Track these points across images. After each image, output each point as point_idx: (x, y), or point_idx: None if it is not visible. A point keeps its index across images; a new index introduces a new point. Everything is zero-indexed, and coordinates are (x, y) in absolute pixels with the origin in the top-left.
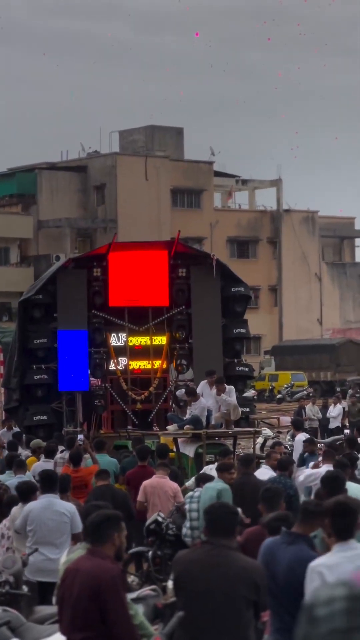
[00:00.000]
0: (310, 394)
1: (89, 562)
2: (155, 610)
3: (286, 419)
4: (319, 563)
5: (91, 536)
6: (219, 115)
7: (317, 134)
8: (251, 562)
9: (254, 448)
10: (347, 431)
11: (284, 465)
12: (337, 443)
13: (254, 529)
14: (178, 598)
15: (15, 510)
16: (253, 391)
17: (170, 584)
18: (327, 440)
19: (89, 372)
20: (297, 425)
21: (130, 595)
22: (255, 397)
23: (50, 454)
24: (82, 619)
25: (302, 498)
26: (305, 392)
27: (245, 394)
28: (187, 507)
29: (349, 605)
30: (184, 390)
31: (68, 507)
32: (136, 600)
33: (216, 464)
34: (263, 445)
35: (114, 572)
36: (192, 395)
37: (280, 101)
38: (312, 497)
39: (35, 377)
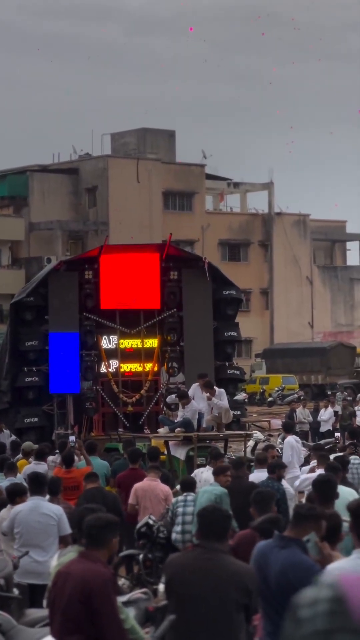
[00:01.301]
0: (301, 397)
1: (80, 566)
2: (146, 614)
3: (277, 422)
4: (336, 567)
5: (88, 540)
6: (211, 118)
7: (310, 137)
8: (243, 566)
9: (244, 451)
10: (337, 434)
11: (272, 469)
12: (327, 447)
13: (246, 532)
14: (169, 601)
15: (3, 512)
16: (244, 394)
17: (161, 587)
18: (311, 444)
19: (80, 375)
20: (288, 428)
21: (121, 599)
22: (246, 400)
23: (41, 456)
24: (73, 622)
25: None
26: (296, 395)
27: (236, 397)
28: (179, 510)
29: (332, 607)
30: (174, 395)
31: (55, 510)
32: (127, 603)
33: (207, 466)
34: (254, 448)
35: (106, 576)
36: (184, 398)
37: (272, 105)
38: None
39: (26, 379)
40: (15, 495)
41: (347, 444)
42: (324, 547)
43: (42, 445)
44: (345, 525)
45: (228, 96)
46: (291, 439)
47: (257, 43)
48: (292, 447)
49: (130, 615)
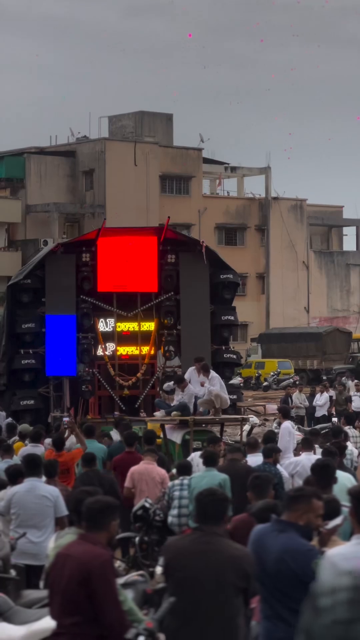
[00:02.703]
0: (297, 382)
1: (79, 548)
2: (144, 596)
3: (272, 407)
4: (335, 553)
5: (88, 522)
6: (209, 102)
7: (308, 123)
8: (240, 550)
9: (241, 435)
10: (335, 419)
11: (267, 453)
12: (323, 432)
13: (242, 516)
14: (168, 584)
15: (2, 493)
16: (239, 379)
17: (158, 569)
18: (308, 429)
19: (77, 358)
20: (285, 413)
21: (118, 581)
22: (241, 385)
23: (37, 438)
24: (72, 604)
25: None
26: (291, 380)
27: (231, 382)
28: (176, 494)
29: (352, 596)
30: (171, 383)
31: (51, 491)
32: (124, 585)
33: (204, 450)
34: (249, 433)
35: (105, 557)
36: (182, 382)
37: (271, 89)
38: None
39: (22, 361)
40: (17, 476)
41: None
42: (323, 531)
43: (37, 428)
44: (345, 511)
45: (226, 80)
46: (288, 424)
47: (255, 27)
48: (289, 432)
49: (128, 597)
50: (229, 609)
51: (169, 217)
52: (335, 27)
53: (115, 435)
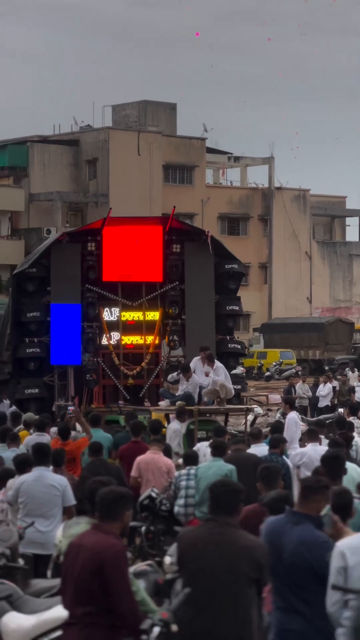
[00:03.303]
0: (299, 372)
1: (93, 538)
2: (156, 586)
3: (275, 397)
4: (344, 543)
5: (102, 512)
6: (212, 92)
7: (310, 113)
8: (254, 540)
9: (245, 425)
10: (341, 410)
11: (274, 443)
12: (327, 422)
13: (253, 507)
14: (182, 575)
15: (10, 482)
16: (242, 368)
17: (167, 559)
18: (312, 419)
19: (82, 347)
20: (291, 403)
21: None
22: (243, 375)
23: (42, 427)
24: (85, 593)
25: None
26: (294, 370)
27: (234, 371)
28: (182, 483)
29: None
30: (175, 373)
31: (59, 480)
32: (137, 575)
33: (212, 440)
34: (253, 422)
35: (118, 548)
36: (187, 371)
37: (274, 79)
38: (303, 476)
39: (27, 350)
40: (25, 465)
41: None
42: (337, 521)
43: (42, 417)
44: (357, 502)
45: (230, 69)
46: (294, 415)
47: (260, 16)
48: (295, 422)
49: (141, 587)
50: (242, 600)
51: (174, 207)
52: (343, 17)
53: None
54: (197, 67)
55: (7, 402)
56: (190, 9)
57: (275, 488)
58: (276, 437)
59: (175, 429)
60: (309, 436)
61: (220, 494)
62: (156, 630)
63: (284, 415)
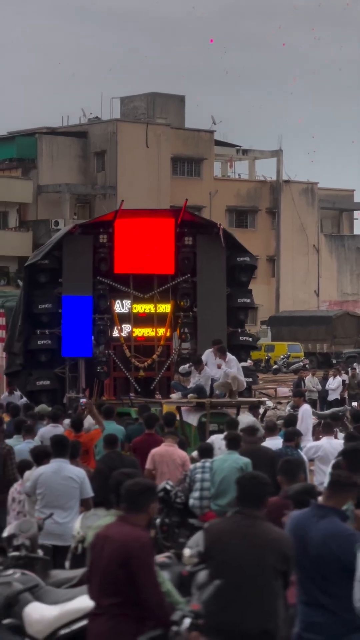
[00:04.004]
0: (307, 366)
1: (119, 529)
2: (180, 578)
3: (283, 390)
4: None
5: (128, 504)
6: (221, 84)
7: (319, 106)
8: (280, 533)
9: (258, 418)
10: (354, 403)
11: (290, 436)
12: (340, 414)
13: (275, 499)
14: (208, 567)
15: (27, 473)
16: (250, 361)
17: (186, 551)
18: (326, 412)
19: (93, 339)
20: (303, 396)
21: None
22: (252, 367)
23: (55, 419)
24: (111, 585)
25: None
26: (301, 364)
27: (244, 364)
28: (197, 476)
29: None
30: (186, 365)
31: (77, 472)
32: (160, 567)
33: (226, 433)
34: (263, 415)
35: (144, 540)
36: (199, 363)
37: (283, 71)
38: (319, 470)
39: (39, 342)
40: (42, 456)
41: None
42: (359, 514)
43: (55, 408)
44: None
45: (239, 62)
46: (307, 407)
47: (270, 8)
48: (309, 415)
49: (166, 578)
50: (268, 592)
51: (186, 200)
52: (354, 11)
53: None
54: (206, 60)
55: (17, 393)
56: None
57: (296, 481)
58: (291, 431)
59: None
60: (324, 429)
61: (248, 486)
62: (187, 621)
63: (293, 408)
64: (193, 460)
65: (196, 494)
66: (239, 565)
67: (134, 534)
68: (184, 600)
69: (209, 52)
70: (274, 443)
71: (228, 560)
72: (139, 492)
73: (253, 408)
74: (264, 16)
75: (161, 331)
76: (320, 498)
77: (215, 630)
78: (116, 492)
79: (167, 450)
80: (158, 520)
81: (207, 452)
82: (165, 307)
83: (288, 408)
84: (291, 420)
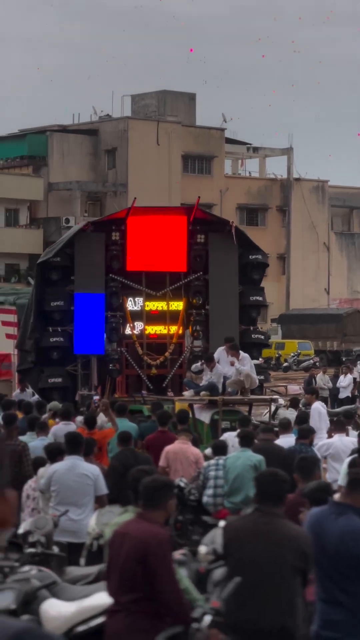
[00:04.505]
0: (317, 363)
1: (138, 526)
2: (197, 575)
3: (294, 388)
4: None
5: (146, 501)
6: (232, 82)
7: (330, 103)
8: (299, 530)
9: (269, 416)
10: None
11: (304, 434)
12: (352, 412)
13: (291, 497)
14: (226, 564)
15: (42, 470)
16: (261, 359)
17: (202, 548)
18: (338, 410)
19: (105, 336)
20: (315, 393)
21: None
22: (262, 365)
23: (66, 416)
24: (130, 581)
25: None
26: (312, 361)
27: (256, 362)
28: (211, 473)
29: None
30: (198, 363)
31: (92, 470)
32: (179, 564)
33: (239, 431)
34: (274, 413)
35: (163, 536)
36: (211, 361)
37: (293, 70)
38: (331, 467)
39: (50, 339)
40: (56, 454)
41: None
42: None
43: (66, 405)
44: None
45: (249, 59)
46: (318, 405)
47: (281, 6)
48: (319, 413)
49: (184, 575)
50: (287, 590)
51: (199, 197)
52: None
53: None
54: (216, 57)
55: (29, 390)
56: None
57: (312, 479)
58: (305, 428)
59: None
60: (336, 427)
61: (267, 483)
62: (207, 618)
63: (305, 405)
64: (206, 458)
65: (210, 491)
66: (258, 563)
67: (152, 531)
68: (202, 597)
69: (220, 50)
70: (288, 441)
71: (246, 558)
72: (156, 489)
73: (295, 403)
74: (274, 14)
75: (173, 329)
76: (336, 496)
77: (233, 628)
78: (134, 489)
79: (180, 448)
80: (172, 518)
81: (220, 449)
82: (178, 305)
83: (300, 406)
84: (303, 418)
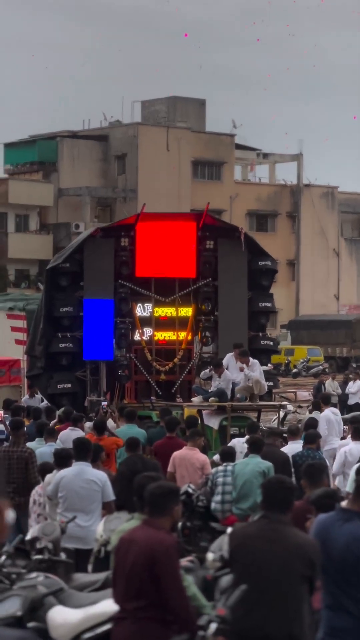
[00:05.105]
0: (326, 370)
1: (144, 533)
2: (204, 582)
3: (303, 394)
4: None
5: (152, 507)
6: (242, 88)
7: (340, 109)
8: (306, 538)
9: (278, 422)
10: None
11: (311, 439)
12: None
13: (298, 503)
14: (232, 571)
15: (49, 476)
16: (270, 365)
17: (210, 555)
18: (347, 416)
19: (114, 342)
20: (325, 400)
21: None
22: (272, 371)
23: (74, 422)
24: (136, 588)
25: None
26: (321, 367)
27: (265, 368)
28: (219, 480)
29: None
30: (207, 370)
31: (99, 476)
32: (186, 571)
33: (250, 437)
34: (283, 419)
35: (169, 543)
36: (219, 367)
37: (303, 76)
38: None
39: (60, 345)
40: (65, 459)
41: None
42: None
43: (67, 410)
44: None
45: (260, 65)
46: (328, 412)
47: (291, 11)
48: (327, 420)
49: (191, 582)
50: (293, 597)
51: (208, 203)
52: None
53: None
54: (226, 63)
55: (39, 396)
56: (218, 3)
57: (320, 485)
58: (312, 433)
59: None
60: (355, 434)
61: (274, 490)
62: (213, 626)
63: (310, 412)
64: (214, 464)
65: (218, 497)
66: (264, 570)
67: (158, 538)
68: (210, 604)
69: (231, 55)
70: (296, 447)
71: (253, 565)
72: (161, 495)
73: (317, 407)
74: (283, 18)
75: (182, 335)
76: (343, 503)
77: (240, 635)
78: (140, 495)
79: (187, 454)
80: (180, 524)
81: (228, 455)
82: (187, 311)
83: (307, 413)
84: (311, 423)
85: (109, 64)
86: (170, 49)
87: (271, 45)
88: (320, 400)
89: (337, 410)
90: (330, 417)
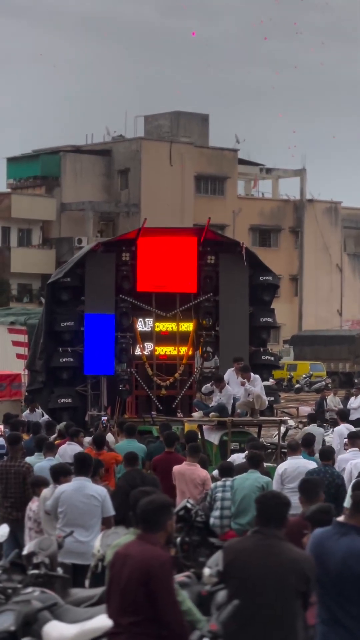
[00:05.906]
0: (329, 385)
1: (139, 548)
2: (199, 597)
3: (305, 409)
4: None
5: (144, 523)
6: (245, 103)
7: (341, 124)
8: (301, 553)
9: (279, 437)
10: None
11: (327, 455)
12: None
13: (294, 519)
14: (227, 586)
15: (46, 491)
16: (272, 380)
17: (206, 570)
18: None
19: (115, 357)
20: (342, 416)
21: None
22: (275, 386)
23: (72, 437)
24: (131, 603)
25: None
26: (324, 383)
27: (266, 383)
28: (218, 495)
29: None
30: (209, 384)
31: (99, 491)
32: (181, 586)
33: (249, 452)
34: (284, 434)
35: (164, 558)
36: (220, 382)
37: (305, 91)
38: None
39: (61, 359)
40: (60, 474)
41: None
42: None
43: (67, 424)
44: None
45: (263, 81)
46: (343, 428)
47: (292, 27)
48: (340, 435)
49: (186, 597)
50: (288, 613)
51: (209, 218)
52: None
53: None
54: (229, 78)
55: (39, 411)
56: (222, 19)
57: (316, 501)
58: (327, 449)
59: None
60: (350, 442)
61: (269, 506)
62: None
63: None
64: (214, 479)
65: (217, 512)
66: (258, 585)
67: (153, 553)
68: (205, 619)
69: (233, 70)
70: (296, 462)
71: (247, 580)
72: (153, 511)
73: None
74: (287, 33)
75: (183, 350)
76: (340, 517)
77: None
78: (134, 510)
79: (187, 469)
80: (178, 539)
81: (227, 471)
82: (188, 326)
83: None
84: (308, 439)
85: (112, 78)
86: (174, 63)
87: (274, 60)
88: (338, 417)
89: (350, 427)
90: (343, 433)
